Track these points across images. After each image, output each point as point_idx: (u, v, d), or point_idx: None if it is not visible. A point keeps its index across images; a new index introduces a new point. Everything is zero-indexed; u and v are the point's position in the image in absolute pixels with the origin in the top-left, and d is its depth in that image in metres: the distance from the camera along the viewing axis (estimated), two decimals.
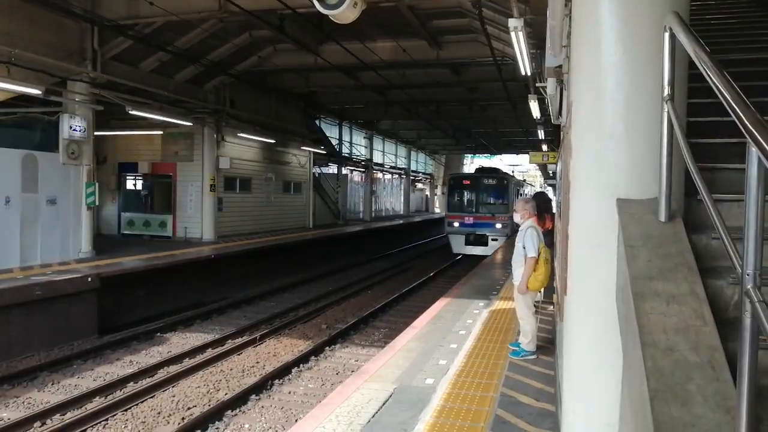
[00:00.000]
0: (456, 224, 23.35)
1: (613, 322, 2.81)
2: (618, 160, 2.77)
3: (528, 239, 6.53)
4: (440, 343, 7.38)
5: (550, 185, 43.85)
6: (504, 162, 45.15)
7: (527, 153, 28.54)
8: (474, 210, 23.42)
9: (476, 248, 22.55)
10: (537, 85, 10.54)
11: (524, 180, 40.62)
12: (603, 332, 2.85)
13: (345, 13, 5.23)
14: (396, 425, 4.81)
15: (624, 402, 2.53)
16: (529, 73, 10.11)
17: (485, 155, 38.41)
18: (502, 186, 23.83)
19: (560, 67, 5.76)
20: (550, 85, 6.94)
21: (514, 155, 45.74)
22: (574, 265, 3.05)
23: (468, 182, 24.41)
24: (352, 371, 8.41)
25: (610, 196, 2.77)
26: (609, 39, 2.74)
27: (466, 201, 23.81)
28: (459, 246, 23.24)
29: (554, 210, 10.75)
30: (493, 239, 22.55)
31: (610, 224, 2.78)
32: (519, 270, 6.65)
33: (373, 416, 4.99)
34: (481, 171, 26.58)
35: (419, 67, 15.84)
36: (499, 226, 22.72)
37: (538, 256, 6.51)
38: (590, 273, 2.92)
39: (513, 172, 38.65)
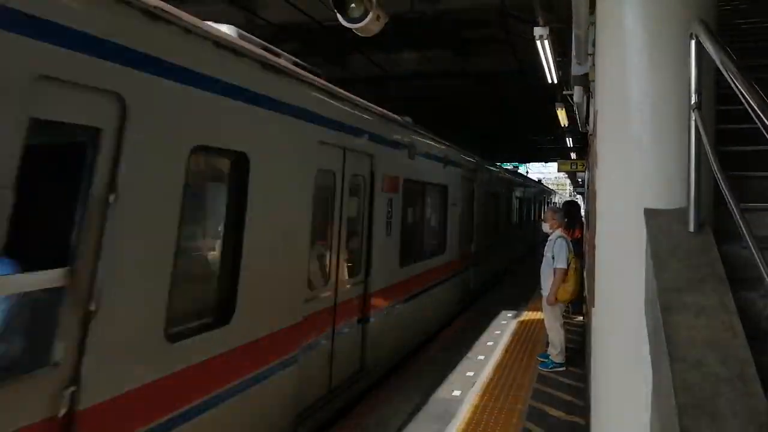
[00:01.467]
0: None
1: (642, 334, 2.76)
2: (645, 170, 2.72)
3: (557, 249, 6.46)
4: (467, 355, 7.32)
5: (579, 193, 43.33)
6: (532, 171, 44.78)
7: (556, 161, 28.23)
8: None
9: None
10: (564, 93, 10.46)
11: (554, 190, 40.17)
12: (632, 345, 2.79)
13: (368, 26, 5.28)
14: None
15: (653, 416, 2.48)
16: (555, 81, 10.03)
17: (513, 164, 38.17)
18: None
19: (587, 75, 5.72)
20: (577, 94, 6.88)
21: (542, 163, 45.33)
22: (601, 277, 3.01)
23: None
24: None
25: (637, 206, 2.72)
26: (634, 47, 2.71)
27: None
28: None
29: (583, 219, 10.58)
30: None
31: (638, 235, 2.73)
32: (548, 280, 6.57)
33: (399, 428, 4.97)
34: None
35: (445, 77, 15.85)
36: None
37: (568, 266, 6.43)
38: (618, 284, 2.87)
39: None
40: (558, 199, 36.20)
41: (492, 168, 14.89)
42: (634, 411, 2.83)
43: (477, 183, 11.99)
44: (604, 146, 2.98)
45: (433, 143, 8.83)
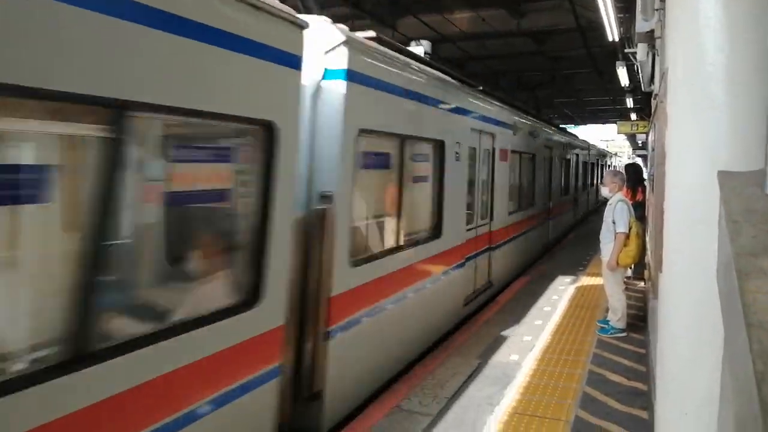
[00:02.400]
0: None
1: (712, 300, 2.67)
2: (718, 130, 2.61)
3: (618, 214, 6.30)
4: (525, 319, 7.30)
5: (639, 156, 41.83)
6: (588, 133, 43.35)
7: (614, 122, 27.24)
8: None
9: None
10: (626, 51, 10.03)
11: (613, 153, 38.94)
12: (701, 310, 2.72)
13: None
14: (482, 399, 4.84)
15: (724, 383, 2.42)
16: (616, 39, 9.62)
17: (569, 126, 37.03)
18: None
19: (652, 31, 5.45)
20: (641, 51, 6.59)
21: (600, 125, 43.86)
22: (670, 241, 2.93)
23: None
24: None
25: (710, 168, 2.61)
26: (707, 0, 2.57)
27: None
28: None
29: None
30: None
31: (711, 198, 2.63)
32: (608, 245, 6.43)
33: (458, 390, 5.03)
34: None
35: (499, 37, 15.44)
36: None
37: (629, 230, 6.27)
38: (688, 249, 2.78)
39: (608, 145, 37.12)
40: (617, 162, 35.10)
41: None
42: (702, 378, 2.78)
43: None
44: (674, 106, 2.86)
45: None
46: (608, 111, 32.18)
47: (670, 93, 2.92)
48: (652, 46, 5.77)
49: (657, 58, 5.46)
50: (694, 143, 2.71)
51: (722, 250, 2.50)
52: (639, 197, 8.90)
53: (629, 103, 20.65)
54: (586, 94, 26.78)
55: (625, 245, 6.28)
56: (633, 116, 23.52)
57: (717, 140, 2.62)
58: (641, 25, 5.38)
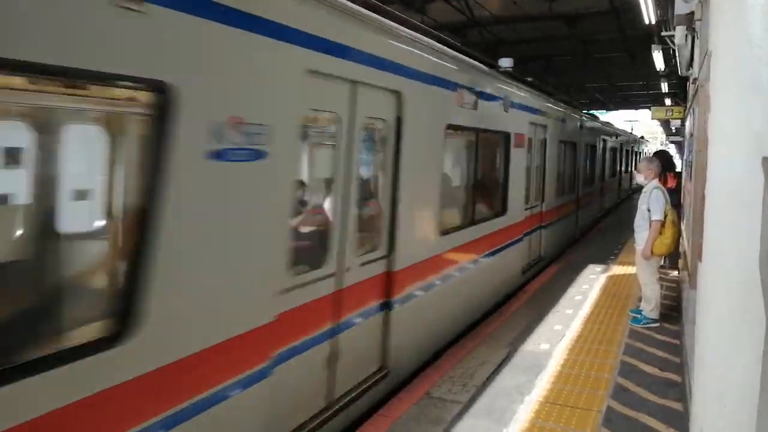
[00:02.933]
0: None
1: (755, 291, 2.60)
2: (765, 115, 2.50)
3: (653, 201, 6.16)
4: (555, 308, 7.22)
5: (672, 142, 40.84)
6: (619, 118, 42.40)
7: (647, 108, 26.58)
8: None
9: None
10: (662, 34, 9.75)
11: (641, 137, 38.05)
12: (743, 302, 2.64)
13: None
14: (511, 388, 4.80)
15: (766, 375, 2.35)
16: (653, 22, 9.35)
17: (600, 111, 36.26)
18: None
19: (692, 13, 5.28)
20: (679, 34, 6.38)
21: (632, 110, 42.89)
22: (711, 230, 2.84)
23: None
24: None
25: (755, 155, 2.51)
26: None
27: None
28: None
29: (677, 169, 10.06)
30: None
31: (755, 185, 2.54)
32: (642, 233, 6.31)
33: (488, 378, 5.01)
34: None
35: (530, 20, 15.16)
36: None
37: (664, 218, 6.13)
38: (730, 238, 2.69)
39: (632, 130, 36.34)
40: (647, 149, 34.36)
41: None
42: (742, 370, 2.70)
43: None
44: (718, 90, 2.76)
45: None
46: (641, 96, 31.46)
47: (714, 77, 2.82)
48: (691, 29, 5.59)
49: (697, 41, 5.30)
50: (738, 128, 2.61)
51: (765, 239, 2.42)
52: (670, 184, 8.73)
53: (664, 87, 20.13)
54: (618, 78, 26.19)
55: (660, 233, 6.15)
56: (667, 101, 22.92)
57: (763, 125, 2.52)
58: (681, 7, 5.21)
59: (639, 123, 47.34)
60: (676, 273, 8.61)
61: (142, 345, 2.55)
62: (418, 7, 13.97)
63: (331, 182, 4.17)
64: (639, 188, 7.53)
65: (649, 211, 6.18)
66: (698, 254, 3.13)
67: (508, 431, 4.10)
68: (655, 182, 6.42)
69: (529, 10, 13.94)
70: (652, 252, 6.18)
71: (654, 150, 33.73)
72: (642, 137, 38.28)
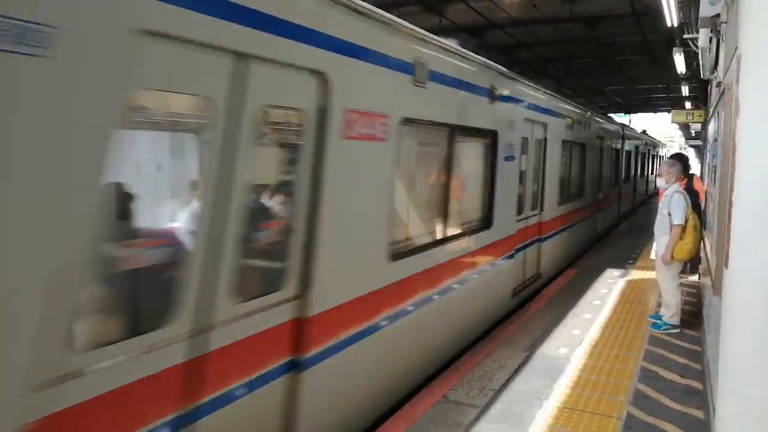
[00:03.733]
0: None
1: None
2: None
3: (674, 205, 6.08)
4: (573, 313, 7.15)
5: (691, 146, 40.31)
6: (637, 122, 41.93)
7: (667, 111, 26.25)
8: None
9: None
10: (684, 36, 9.64)
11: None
12: None
13: None
14: (529, 393, 4.76)
15: None
16: (675, 24, 9.25)
17: (619, 114, 35.95)
18: None
19: (717, 16, 5.21)
20: (703, 37, 6.31)
21: (651, 114, 42.42)
22: (738, 236, 2.80)
23: None
24: None
25: None
26: None
27: None
28: None
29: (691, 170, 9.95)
30: None
31: None
32: (662, 238, 6.22)
33: (506, 383, 4.97)
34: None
35: (550, 23, 15.07)
36: None
37: (685, 223, 6.05)
38: (758, 244, 2.65)
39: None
40: (665, 152, 33.94)
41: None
42: (767, 379, 2.66)
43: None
44: (748, 94, 2.72)
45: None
46: (661, 99, 31.12)
47: (744, 80, 2.78)
48: (716, 32, 5.52)
49: (722, 44, 5.22)
50: None
51: None
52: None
53: (684, 91, 19.89)
54: (638, 81, 25.94)
55: (681, 238, 6.07)
56: (688, 105, 22.65)
57: None
58: (706, 9, 5.14)
59: (650, 126, 46.83)
60: (695, 278, 8.50)
61: None
62: (437, 8, 13.94)
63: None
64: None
65: (669, 215, 6.10)
66: (724, 260, 3.08)
67: None
68: (677, 186, 6.34)
69: (549, 12, 13.85)
70: (672, 257, 6.10)
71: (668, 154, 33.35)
72: (663, 143, 37.84)
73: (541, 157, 8.67)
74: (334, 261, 3.72)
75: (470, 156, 6.48)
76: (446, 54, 5.32)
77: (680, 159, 9.97)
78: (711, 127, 7.64)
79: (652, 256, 6.45)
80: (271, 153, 3.77)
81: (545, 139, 8.76)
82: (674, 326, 6.36)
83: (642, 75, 23.82)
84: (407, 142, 4.88)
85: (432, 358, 5.32)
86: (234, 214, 2.94)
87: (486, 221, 6.46)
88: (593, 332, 6.36)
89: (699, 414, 4.40)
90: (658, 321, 6.47)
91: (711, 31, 5.95)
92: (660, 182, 6.51)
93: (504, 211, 6.91)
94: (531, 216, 8.26)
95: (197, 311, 2.76)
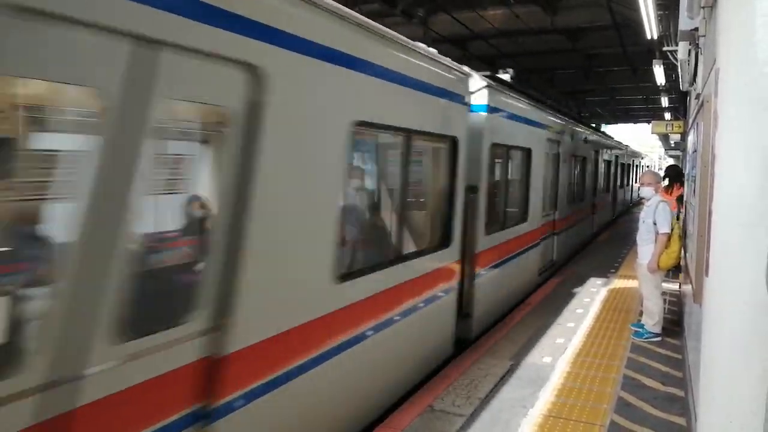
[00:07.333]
0: None
1: (762, 305, 2.60)
2: None
3: (660, 214, 6.16)
4: (557, 321, 7.21)
5: (671, 156, 40.93)
6: (616, 132, 42.46)
7: (647, 122, 26.64)
8: None
9: None
10: (664, 49, 9.82)
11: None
12: (751, 316, 2.65)
13: None
14: (515, 401, 4.79)
15: None
16: (655, 37, 9.43)
17: (600, 124, 36.44)
18: None
19: (696, 29, 5.32)
20: (682, 50, 6.43)
21: (631, 124, 43.01)
22: (718, 245, 2.85)
23: None
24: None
25: (762, 170, 2.54)
26: None
27: None
28: None
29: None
30: None
31: (762, 200, 2.56)
32: (647, 247, 6.30)
33: (491, 391, 5.00)
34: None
35: (533, 34, 15.27)
36: None
37: (671, 231, 6.14)
38: (738, 253, 2.71)
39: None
40: (647, 163, 34.48)
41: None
42: (750, 385, 2.70)
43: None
44: (725, 106, 2.79)
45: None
46: (641, 110, 31.61)
47: (721, 93, 2.84)
48: (695, 45, 5.63)
49: (700, 57, 5.33)
50: (747, 144, 2.63)
51: None
52: (678, 192, 8.96)
53: (664, 102, 20.23)
54: (619, 92, 26.34)
55: (666, 246, 6.15)
56: (667, 116, 23.02)
57: None
58: (685, 23, 5.25)
59: (630, 136, 47.45)
60: (675, 286, 8.61)
61: None
62: (421, 20, 14.05)
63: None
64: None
65: (655, 224, 6.18)
66: (704, 269, 3.14)
67: None
68: (660, 196, 6.43)
69: (531, 23, 14.03)
70: (658, 265, 6.18)
71: (647, 164, 33.88)
72: (643, 154, 38.38)
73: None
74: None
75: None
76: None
77: (674, 169, 10.19)
78: (690, 138, 7.79)
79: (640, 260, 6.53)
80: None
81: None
82: (656, 335, 6.43)
83: (623, 86, 24.20)
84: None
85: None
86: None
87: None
88: (577, 340, 6.42)
89: (681, 421, 4.46)
90: (640, 329, 6.55)
91: (690, 44, 6.07)
92: (643, 192, 6.59)
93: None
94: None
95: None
